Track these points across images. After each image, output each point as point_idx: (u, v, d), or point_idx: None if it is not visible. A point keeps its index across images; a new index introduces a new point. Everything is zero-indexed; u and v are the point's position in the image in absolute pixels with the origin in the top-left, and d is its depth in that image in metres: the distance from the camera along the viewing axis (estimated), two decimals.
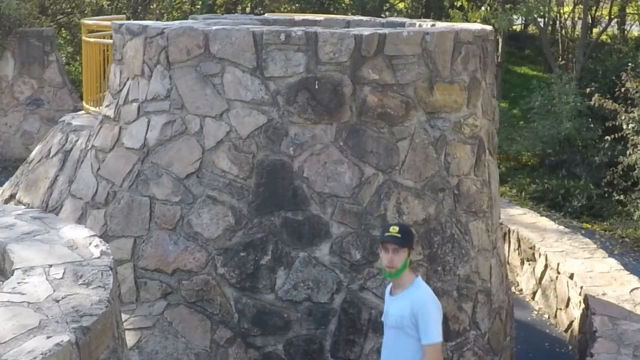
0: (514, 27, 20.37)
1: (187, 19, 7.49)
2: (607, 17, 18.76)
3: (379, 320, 5.04)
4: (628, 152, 10.44)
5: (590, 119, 12.78)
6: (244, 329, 4.99)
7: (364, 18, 7.60)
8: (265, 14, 9.52)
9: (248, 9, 17.77)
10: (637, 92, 10.49)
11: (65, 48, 16.21)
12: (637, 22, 21.15)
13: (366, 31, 5.02)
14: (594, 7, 18.60)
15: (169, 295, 5.09)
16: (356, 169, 4.98)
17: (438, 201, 5.23)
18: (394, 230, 4.11)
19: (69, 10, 16.93)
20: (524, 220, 8.72)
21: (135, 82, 5.48)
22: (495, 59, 6.27)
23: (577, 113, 12.60)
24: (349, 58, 4.92)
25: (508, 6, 15.02)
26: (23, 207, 5.97)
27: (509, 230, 8.43)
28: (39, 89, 12.79)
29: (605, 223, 10.65)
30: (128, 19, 10.85)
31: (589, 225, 10.56)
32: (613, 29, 20.34)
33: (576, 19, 18.11)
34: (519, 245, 8.23)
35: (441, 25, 6.03)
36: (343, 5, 17.26)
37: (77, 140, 6.50)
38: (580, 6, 16.76)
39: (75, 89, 13.36)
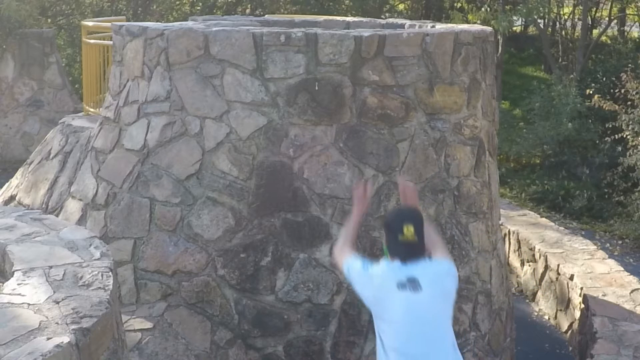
0: (514, 28, 20.38)
1: (187, 20, 7.49)
2: (607, 18, 18.78)
3: None
4: (628, 153, 10.44)
5: (590, 120, 12.79)
6: (244, 330, 4.99)
7: (364, 19, 7.60)
8: (265, 15, 9.53)
9: (248, 10, 17.76)
10: (637, 93, 10.50)
11: (65, 50, 16.20)
12: (637, 23, 21.18)
13: (366, 32, 5.02)
14: (594, 8, 18.61)
15: (169, 297, 5.09)
16: (356, 170, 4.98)
17: (438, 202, 5.23)
18: (408, 231, 3.35)
19: (69, 11, 16.93)
20: (524, 221, 8.72)
21: (135, 84, 5.48)
22: (495, 60, 6.27)
23: (577, 114, 12.60)
24: (349, 59, 4.92)
25: (508, 7, 15.03)
26: (23, 208, 5.97)
27: (509, 232, 8.43)
28: (39, 91, 12.80)
29: (605, 224, 10.65)
30: (128, 20, 10.85)
31: (589, 227, 10.56)
32: (613, 30, 20.36)
33: (576, 20, 18.13)
34: (519, 247, 8.23)
35: (441, 26, 6.03)
36: (343, 6, 17.25)
37: (77, 142, 6.50)
38: (580, 7, 16.77)
39: (75, 90, 13.36)
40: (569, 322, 6.98)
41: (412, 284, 3.27)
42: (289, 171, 4.95)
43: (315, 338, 4.98)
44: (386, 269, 3.38)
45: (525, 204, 11.17)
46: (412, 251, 3.35)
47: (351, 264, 3.53)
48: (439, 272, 3.40)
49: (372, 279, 3.39)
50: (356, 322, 5.00)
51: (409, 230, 3.33)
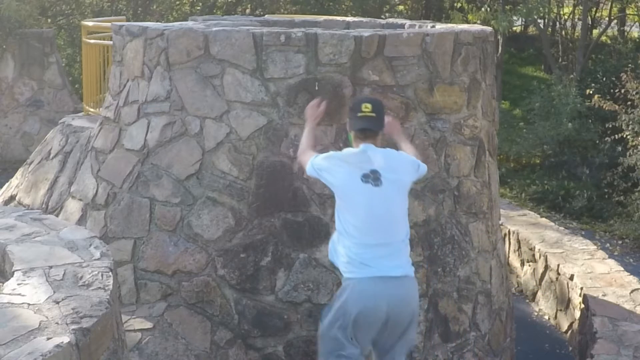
0: (514, 28, 20.40)
1: (187, 20, 7.49)
2: (607, 18, 18.79)
3: None
4: (628, 153, 10.45)
5: (590, 120, 12.80)
6: (244, 330, 4.99)
7: (364, 19, 7.60)
8: (265, 15, 9.52)
9: (248, 10, 17.76)
10: (637, 93, 10.50)
11: (65, 50, 16.20)
12: (637, 23, 21.19)
13: (366, 32, 5.02)
14: (594, 8, 18.61)
15: (169, 297, 5.09)
16: None
17: (438, 202, 5.23)
18: (366, 108, 3.94)
19: (69, 11, 16.93)
20: (524, 221, 8.72)
21: (135, 84, 5.48)
22: (495, 60, 6.27)
23: (577, 114, 12.61)
24: (349, 59, 4.92)
25: (508, 7, 15.03)
26: (23, 208, 5.97)
27: (509, 231, 8.43)
28: (39, 91, 12.79)
29: (605, 224, 10.66)
30: (128, 20, 10.85)
31: (589, 227, 10.56)
32: (613, 30, 20.36)
33: (576, 20, 18.14)
34: (519, 246, 8.23)
35: (441, 26, 6.03)
36: (343, 6, 17.25)
37: (77, 142, 6.50)
38: (580, 7, 16.78)
39: (75, 90, 13.36)
40: (569, 322, 6.98)
41: (375, 178, 3.81)
42: (289, 171, 4.95)
43: (315, 338, 4.96)
44: (352, 158, 3.91)
45: (525, 204, 11.17)
46: (370, 123, 3.92)
47: (316, 158, 4.01)
48: (399, 165, 3.96)
49: (340, 164, 3.90)
50: None
51: (367, 107, 3.92)
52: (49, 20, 16.12)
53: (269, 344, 4.97)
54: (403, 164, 4.02)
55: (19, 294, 3.23)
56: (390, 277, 3.79)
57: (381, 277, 3.77)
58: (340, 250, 3.90)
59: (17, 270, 3.49)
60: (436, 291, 5.20)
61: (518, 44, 22.00)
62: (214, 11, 16.72)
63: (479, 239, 5.49)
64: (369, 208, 3.79)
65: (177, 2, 17.56)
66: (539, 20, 17.20)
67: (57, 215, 5.64)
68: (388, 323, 3.85)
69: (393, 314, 3.83)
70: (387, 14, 18.37)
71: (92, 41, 7.50)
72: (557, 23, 18.55)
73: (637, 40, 19.44)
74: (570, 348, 6.79)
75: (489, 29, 5.84)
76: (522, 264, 8.15)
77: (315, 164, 4.01)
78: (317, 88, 4.90)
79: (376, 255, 3.79)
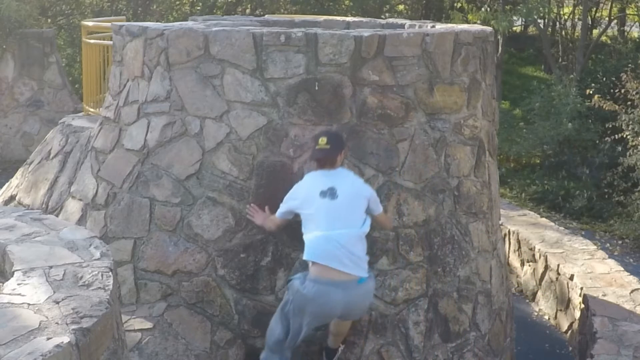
0: (514, 28, 20.40)
1: (187, 20, 7.49)
2: (607, 18, 18.80)
3: (379, 322, 5.05)
4: (628, 153, 10.45)
5: (590, 120, 12.80)
6: (244, 330, 4.99)
7: (364, 19, 7.60)
8: (265, 15, 9.52)
9: (248, 10, 17.77)
10: (637, 93, 10.50)
11: (65, 50, 16.20)
12: (637, 23, 21.20)
13: (366, 32, 5.02)
14: (594, 8, 18.62)
15: (169, 297, 5.09)
16: (356, 170, 4.98)
17: (438, 202, 5.23)
18: (322, 141, 4.57)
19: (69, 11, 16.93)
20: (524, 221, 8.72)
21: (135, 84, 5.48)
22: (495, 60, 6.27)
23: (577, 114, 12.61)
24: (349, 59, 4.92)
25: (508, 7, 15.04)
26: (23, 208, 5.97)
27: (509, 232, 8.43)
28: (39, 91, 12.79)
29: (605, 224, 10.66)
30: (128, 20, 10.85)
31: (589, 227, 10.56)
32: (613, 30, 20.38)
33: (576, 20, 18.15)
34: (519, 247, 8.23)
35: (441, 26, 6.03)
36: (343, 6, 17.26)
37: (77, 142, 6.50)
38: (580, 7, 16.79)
39: (75, 90, 13.36)
40: (569, 322, 6.98)
41: (331, 192, 4.47)
42: (289, 171, 4.95)
43: (315, 338, 4.98)
44: (312, 180, 4.62)
45: (525, 204, 11.18)
46: (325, 154, 4.56)
47: (284, 199, 4.65)
48: (354, 182, 4.62)
49: (300, 188, 4.62)
50: (356, 323, 5.00)
51: (322, 140, 4.56)
52: (49, 20, 16.12)
53: None
54: (357, 181, 4.67)
55: (19, 294, 3.22)
56: (349, 282, 4.40)
57: (341, 281, 4.37)
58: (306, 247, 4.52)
59: (17, 270, 3.49)
60: (436, 291, 5.20)
61: (518, 44, 22.02)
62: (214, 11, 16.72)
63: (479, 239, 5.49)
64: (328, 216, 4.43)
65: (177, 2, 17.56)
66: (539, 20, 17.21)
67: (57, 215, 5.64)
68: (338, 317, 4.60)
69: (345, 313, 4.53)
70: (387, 14, 18.36)
71: (92, 41, 7.50)
72: (557, 23, 18.57)
73: (637, 40, 19.44)
74: (570, 348, 6.80)
75: (489, 29, 5.84)
76: (522, 264, 8.15)
77: (282, 203, 4.65)
78: (317, 88, 4.90)
79: (338, 256, 4.38)
